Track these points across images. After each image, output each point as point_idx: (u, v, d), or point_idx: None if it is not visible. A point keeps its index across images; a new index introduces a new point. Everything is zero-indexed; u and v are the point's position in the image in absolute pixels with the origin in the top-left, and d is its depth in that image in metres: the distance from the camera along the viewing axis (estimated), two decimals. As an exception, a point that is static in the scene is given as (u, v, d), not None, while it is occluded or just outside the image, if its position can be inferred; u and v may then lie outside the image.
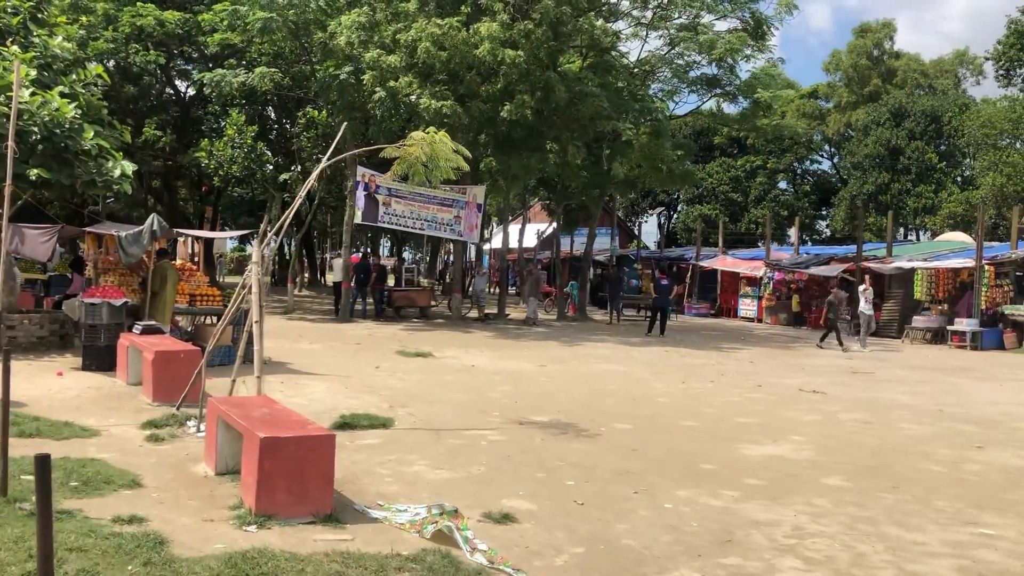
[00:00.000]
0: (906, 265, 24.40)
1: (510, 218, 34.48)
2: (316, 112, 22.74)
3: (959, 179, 41.36)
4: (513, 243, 41.00)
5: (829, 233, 52.63)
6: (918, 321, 23.67)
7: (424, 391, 11.55)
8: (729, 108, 26.66)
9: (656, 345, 19.67)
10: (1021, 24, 34.87)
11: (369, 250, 38.51)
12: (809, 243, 47.07)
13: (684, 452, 8.47)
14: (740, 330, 25.93)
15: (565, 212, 30.31)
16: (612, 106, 20.66)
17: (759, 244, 45.94)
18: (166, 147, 27.89)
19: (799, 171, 55.55)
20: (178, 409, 8.88)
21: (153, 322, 11.48)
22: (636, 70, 24.03)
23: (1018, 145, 36.24)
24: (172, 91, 28.30)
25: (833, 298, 20.93)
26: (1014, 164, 34.45)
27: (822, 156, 55.41)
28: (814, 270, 27.54)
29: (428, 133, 8.82)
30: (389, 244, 54.36)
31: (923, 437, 9.71)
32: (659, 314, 22.71)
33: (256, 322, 8.01)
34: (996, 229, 34.99)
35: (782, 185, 53.10)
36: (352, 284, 22.93)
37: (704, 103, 24.79)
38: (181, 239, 14.79)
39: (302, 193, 8.88)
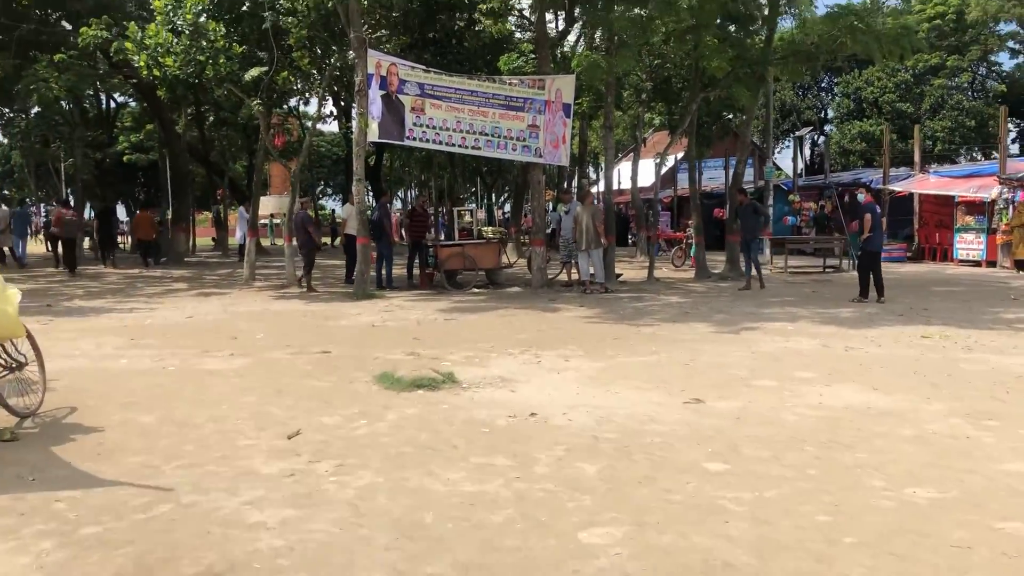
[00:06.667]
0: None
1: (615, 152, 25.92)
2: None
3: None
4: (625, 184, 32.33)
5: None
6: None
7: (334, 567, 3.32)
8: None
9: (892, 323, 10.72)
10: None
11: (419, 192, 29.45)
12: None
13: None
14: (984, 282, 16.52)
15: (696, 129, 20.91)
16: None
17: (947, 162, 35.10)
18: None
19: (979, 72, 44.21)
20: None
21: None
22: None
23: None
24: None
25: None
26: None
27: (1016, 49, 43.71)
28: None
29: None
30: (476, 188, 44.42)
31: None
32: (870, 262, 13.37)
33: None
34: None
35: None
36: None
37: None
38: None
39: None
